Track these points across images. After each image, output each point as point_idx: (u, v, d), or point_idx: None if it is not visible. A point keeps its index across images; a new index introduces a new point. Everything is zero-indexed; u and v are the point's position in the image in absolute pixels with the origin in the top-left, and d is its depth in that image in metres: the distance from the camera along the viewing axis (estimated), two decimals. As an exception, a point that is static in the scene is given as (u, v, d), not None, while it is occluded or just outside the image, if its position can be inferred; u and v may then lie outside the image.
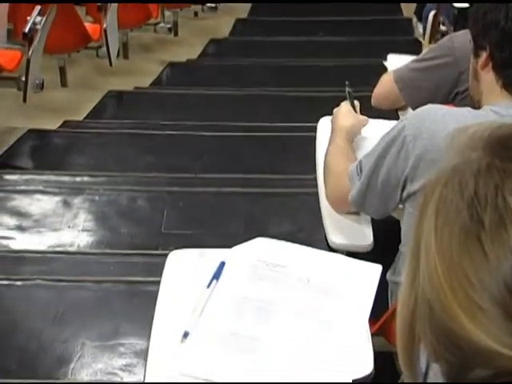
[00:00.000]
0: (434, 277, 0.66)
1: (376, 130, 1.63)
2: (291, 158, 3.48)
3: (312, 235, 2.54)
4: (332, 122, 1.85)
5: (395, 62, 2.41)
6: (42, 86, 3.92)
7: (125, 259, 2.69)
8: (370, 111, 2.00)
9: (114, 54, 4.78)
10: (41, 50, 3.86)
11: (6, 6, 4.26)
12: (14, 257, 2.71)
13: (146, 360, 1.19)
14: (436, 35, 4.34)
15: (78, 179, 3.32)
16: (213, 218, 2.99)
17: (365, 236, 1.59)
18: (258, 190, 3.20)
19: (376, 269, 1.34)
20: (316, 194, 1.75)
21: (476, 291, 0.63)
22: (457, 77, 1.97)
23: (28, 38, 3.67)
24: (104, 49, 4.73)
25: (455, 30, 3.14)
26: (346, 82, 1.92)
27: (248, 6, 7.16)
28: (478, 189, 0.66)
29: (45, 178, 3.31)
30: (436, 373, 0.72)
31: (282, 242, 1.41)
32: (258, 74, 4.97)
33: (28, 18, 3.68)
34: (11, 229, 2.90)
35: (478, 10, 1.43)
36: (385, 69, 2.42)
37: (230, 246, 1.39)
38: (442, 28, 4.28)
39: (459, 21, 3.75)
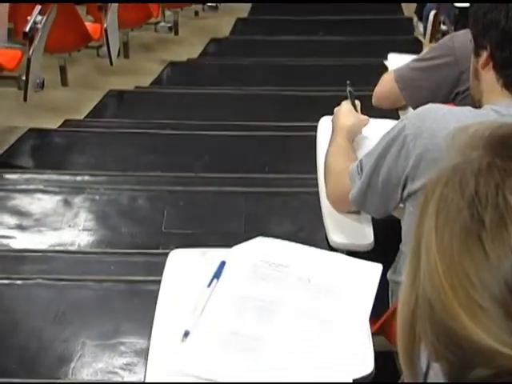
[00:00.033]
0: (435, 276, 0.66)
1: (377, 130, 1.63)
2: (292, 157, 3.48)
3: (312, 234, 2.54)
4: (333, 121, 1.85)
5: (396, 61, 2.41)
6: (42, 86, 3.92)
7: (125, 258, 2.69)
8: (371, 110, 2.00)
9: (114, 53, 4.78)
10: (41, 49, 3.86)
11: (6, 5, 4.26)
12: (14, 256, 2.71)
13: (146, 359, 1.19)
14: (436, 34, 4.34)
15: (78, 178, 3.32)
16: (213, 217, 2.99)
17: (365, 235, 1.59)
18: (259, 189, 3.20)
19: (377, 268, 1.34)
20: (317, 194, 1.75)
21: (477, 290, 0.63)
22: (457, 76, 1.97)
23: (28, 38, 3.67)
24: (104, 48, 4.73)
25: (456, 30, 3.14)
26: (347, 82, 1.92)
27: (248, 5, 7.16)
28: (479, 188, 0.66)
29: (45, 177, 3.32)
30: (436, 372, 0.72)
31: (283, 242, 1.41)
32: (258, 73, 4.97)
33: (28, 17, 3.68)
34: (12, 228, 2.90)
35: (479, 9, 1.43)
36: (385, 68, 2.42)
37: (230, 246, 1.39)
38: (443, 27, 4.28)
39: (460, 20, 3.75)
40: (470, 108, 1.41)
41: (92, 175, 3.36)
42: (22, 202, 3.07)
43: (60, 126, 4.05)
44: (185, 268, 1.38)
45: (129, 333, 2.21)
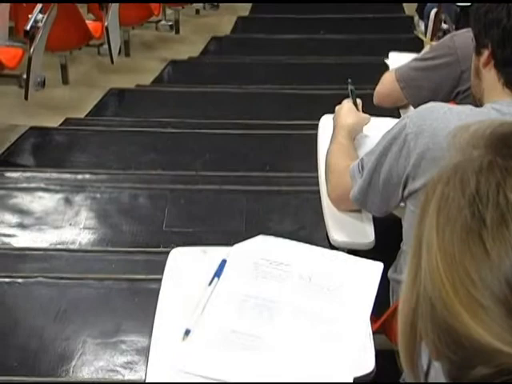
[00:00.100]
0: (436, 275, 0.66)
1: (378, 128, 1.63)
2: (292, 155, 3.48)
3: (313, 233, 2.54)
4: (334, 119, 1.85)
5: (397, 59, 2.41)
6: (43, 84, 3.92)
7: (126, 257, 2.69)
8: (372, 109, 2.00)
9: (115, 51, 4.78)
10: (42, 47, 3.86)
11: (7, 3, 4.26)
12: (15, 254, 2.71)
13: (147, 357, 1.20)
14: (437, 33, 4.33)
15: (79, 177, 3.32)
16: (214, 215, 2.99)
17: (366, 234, 1.60)
18: (260, 187, 3.20)
19: (377, 267, 1.33)
20: (317, 192, 1.75)
21: (478, 289, 0.63)
22: (458, 76, 1.97)
23: (29, 36, 3.66)
24: (105, 46, 4.72)
25: (457, 28, 3.14)
26: (348, 80, 1.92)
27: (249, 3, 7.15)
28: (480, 187, 0.66)
29: (46, 175, 3.32)
30: (437, 371, 0.72)
31: (284, 240, 1.40)
32: (259, 71, 4.96)
33: (29, 15, 3.68)
34: (13, 226, 2.90)
35: (480, 8, 1.43)
36: (386, 67, 2.43)
37: (231, 244, 1.39)
38: (444, 26, 4.28)
39: (461, 19, 3.74)
40: (471, 107, 1.41)
41: (93, 173, 3.36)
42: (23, 200, 3.08)
43: (61, 125, 4.05)
44: (186, 266, 1.38)
45: (130, 331, 2.21)
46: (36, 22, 3.67)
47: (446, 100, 1.89)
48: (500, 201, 0.65)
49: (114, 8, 4.63)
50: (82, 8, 4.98)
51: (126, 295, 2.41)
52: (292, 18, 6.30)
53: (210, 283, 1.29)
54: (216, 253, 1.38)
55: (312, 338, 1.19)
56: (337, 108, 1.87)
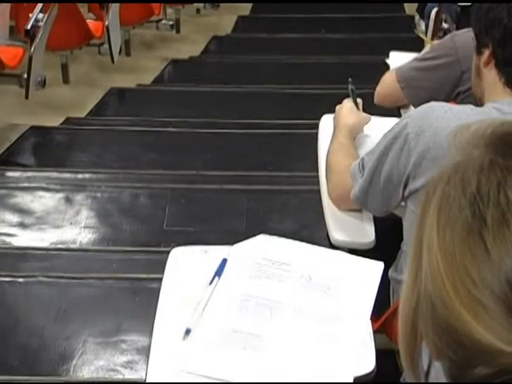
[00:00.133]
0: (436, 274, 0.66)
1: (378, 128, 1.63)
2: (293, 155, 3.48)
3: (314, 232, 2.54)
4: (334, 119, 1.85)
5: (397, 59, 2.41)
6: (43, 83, 3.92)
7: (127, 256, 2.69)
8: (373, 108, 2.00)
9: (116, 51, 4.78)
10: (43, 47, 3.86)
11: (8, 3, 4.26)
12: (16, 253, 2.71)
13: (147, 357, 1.20)
14: (438, 33, 4.33)
15: (80, 176, 3.32)
16: (215, 215, 2.99)
17: (367, 233, 1.60)
18: (260, 187, 3.20)
19: (378, 266, 1.33)
20: (318, 192, 1.75)
21: (478, 288, 0.63)
22: (459, 76, 1.97)
23: (30, 35, 3.66)
24: (106, 46, 4.73)
25: (458, 28, 3.14)
26: (349, 79, 1.92)
27: (250, 3, 7.15)
28: (481, 186, 0.66)
29: (47, 174, 3.32)
30: (438, 371, 0.72)
31: (284, 240, 1.40)
32: (260, 71, 4.96)
33: (30, 15, 3.68)
34: (13, 226, 2.90)
35: (481, 7, 1.43)
36: (387, 66, 2.42)
37: (231, 243, 1.39)
38: (444, 25, 4.27)
39: (462, 18, 3.74)
40: (471, 106, 1.41)
41: (93, 173, 3.36)
42: (23, 199, 3.08)
43: (61, 124, 4.05)
44: (186, 266, 1.38)
45: (130, 330, 2.21)
46: (37, 21, 3.67)
47: (447, 100, 1.89)
48: (501, 200, 0.65)
49: (114, 7, 4.63)
50: (83, 7, 4.98)
51: (126, 294, 2.41)
52: (293, 17, 6.30)
53: (211, 282, 1.29)
54: (217, 252, 1.38)
55: (313, 338, 1.19)
56: (337, 107, 1.87)
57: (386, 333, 1.56)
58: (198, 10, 6.92)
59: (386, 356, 1.27)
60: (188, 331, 1.19)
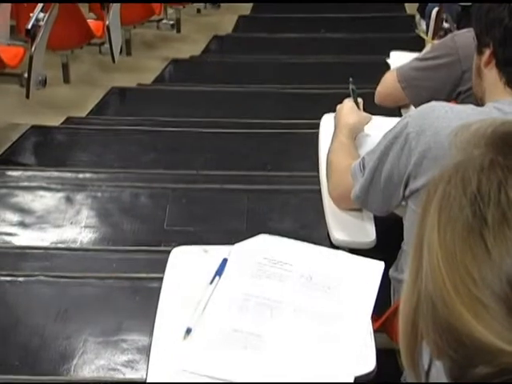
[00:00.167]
0: (437, 274, 0.66)
1: (379, 127, 1.63)
2: (294, 154, 3.48)
3: (314, 232, 2.54)
4: (335, 119, 1.85)
5: (398, 59, 2.41)
6: (44, 83, 3.92)
7: (127, 256, 2.69)
8: (373, 108, 2.00)
9: (116, 50, 4.78)
10: (43, 46, 3.86)
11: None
12: (16, 253, 2.71)
13: (148, 356, 1.20)
14: (439, 32, 4.33)
15: (80, 176, 3.32)
16: (215, 214, 2.99)
17: (367, 233, 1.60)
18: (261, 186, 3.20)
19: (379, 266, 1.34)
20: (319, 191, 1.75)
21: (478, 288, 0.63)
22: (459, 76, 1.97)
23: (31, 35, 3.66)
24: (107, 45, 4.72)
25: (459, 28, 3.14)
26: (350, 79, 1.92)
27: (250, 3, 7.15)
28: (481, 186, 0.66)
29: (47, 174, 3.32)
30: (439, 370, 0.72)
31: (285, 239, 1.40)
32: (260, 70, 4.96)
33: (31, 14, 3.68)
34: (14, 225, 2.90)
35: (482, 7, 1.43)
36: (388, 66, 2.42)
37: (232, 243, 1.39)
38: (445, 25, 4.27)
39: (463, 18, 3.74)
40: (472, 106, 1.41)
41: (94, 172, 3.36)
42: (24, 199, 3.08)
43: (62, 124, 4.05)
44: (187, 265, 1.38)
45: (131, 330, 2.21)
46: (37, 20, 3.67)
47: (448, 100, 1.89)
48: (501, 200, 0.65)
49: (115, 7, 4.63)
50: (84, 7, 4.98)
51: (127, 294, 2.41)
52: (293, 17, 6.30)
53: (211, 282, 1.29)
54: (217, 252, 1.38)
55: (313, 337, 1.19)
56: (338, 107, 1.87)
57: (386, 332, 1.56)
58: (198, 10, 6.92)
59: (386, 355, 1.28)
60: (188, 331, 1.19)
